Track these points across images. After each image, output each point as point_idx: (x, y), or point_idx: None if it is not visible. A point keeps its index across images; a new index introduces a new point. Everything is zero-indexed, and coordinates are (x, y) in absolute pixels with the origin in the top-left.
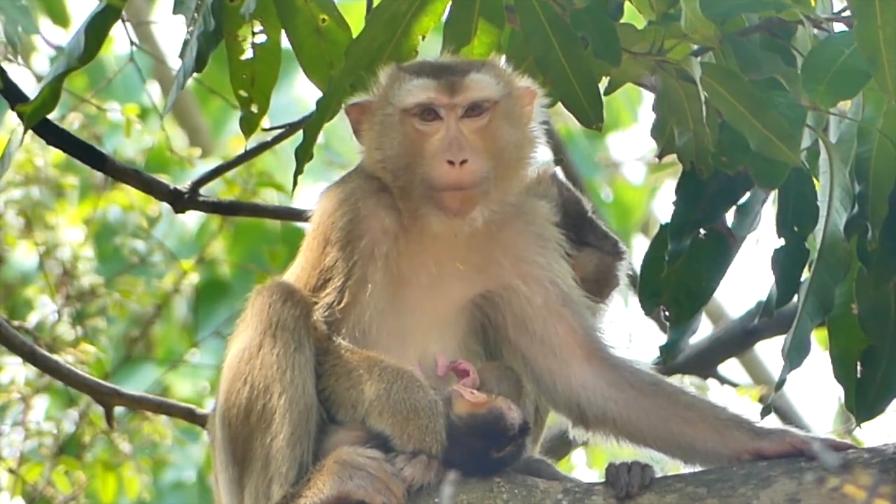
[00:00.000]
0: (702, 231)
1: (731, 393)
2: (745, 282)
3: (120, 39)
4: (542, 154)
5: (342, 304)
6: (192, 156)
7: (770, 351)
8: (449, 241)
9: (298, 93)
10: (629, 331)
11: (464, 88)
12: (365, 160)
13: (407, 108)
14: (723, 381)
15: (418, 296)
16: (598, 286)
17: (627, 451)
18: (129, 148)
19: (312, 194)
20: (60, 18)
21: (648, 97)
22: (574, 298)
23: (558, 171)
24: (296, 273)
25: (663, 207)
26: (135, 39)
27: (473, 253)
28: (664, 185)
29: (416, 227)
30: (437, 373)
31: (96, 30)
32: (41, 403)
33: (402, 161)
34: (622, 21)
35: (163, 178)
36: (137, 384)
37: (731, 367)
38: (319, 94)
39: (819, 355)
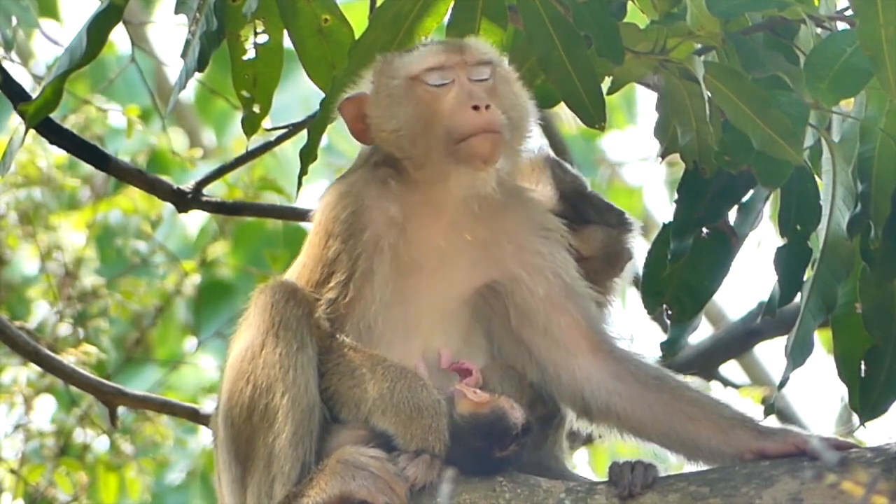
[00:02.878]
0: (704, 230)
1: (734, 394)
2: (747, 282)
3: (120, 42)
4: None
5: (347, 299)
6: (193, 156)
7: (769, 352)
8: (455, 212)
9: (302, 93)
10: (631, 330)
11: (469, 48)
12: (378, 139)
13: (416, 74)
14: (725, 382)
15: (423, 286)
16: (610, 262)
17: (631, 451)
18: (130, 149)
19: (314, 195)
20: (52, 15)
21: (644, 98)
22: (577, 290)
23: (550, 152)
24: (298, 270)
25: (660, 208)
26: (133, 42)
27: (479, 225)
28: (659, 186)
29: (426, 200)
30: (440, 366)
31: (98, 29)
32: (46, 406)
33: (420, 124)
34: (625, 20)
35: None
36: (138, 385)
37: (730, 369)
38: (322, 94)
39: (820, 356)
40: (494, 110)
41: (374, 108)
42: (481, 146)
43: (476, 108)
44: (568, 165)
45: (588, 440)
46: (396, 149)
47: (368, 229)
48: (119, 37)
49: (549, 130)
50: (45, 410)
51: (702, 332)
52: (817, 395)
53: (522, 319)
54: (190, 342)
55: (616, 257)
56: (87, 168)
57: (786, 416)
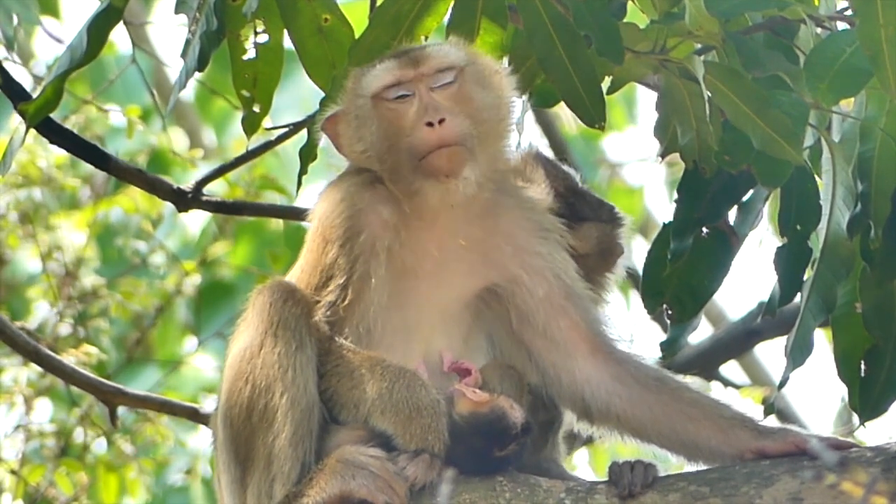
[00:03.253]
0: (704, 230)
1: (734, 394)
2: (747, 282)
3: (120, 42)
4: (526, 139)
5: (346, 302)
6: (194, 157)
7: (769, 353)
8: (448, 218)
9: (302, 93)
10: (631, 330)
11: (426, 59)
12: (351, 159)
13: (376, 92)
14: (726, 382)
15: (422, 289)
16: (604, 258)
17: (630, 451)
18: (131, 150)
19: (314, 194)
20: (53, 13)
21: (644, 98)
22: (577, 291)
23: (541, 149)
24: (297, 275)
25: (660, 208)
26: (133, 42)
27: (474, 228)
28: (659, 186)
29: (415, 210)
30: (443, 369)
31: (98, 29)
32: (45, 406)
33: (385, 143)
34: (625, 20)
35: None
36: (138, 385)
37: (730, 369)
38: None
39: (820, 356)
40: (449, 123)
41: (346, 127)
42: (439, 162)
43: (430, 124)
44: (558, 162)
45: (588, 440)
46: (370, 167)
47: (364, 232)
48: (118, 36)
49: (549, 130)
50: (45, 411)
51: (701, 333)
52: (818, 394)
53: (523, 321)
54: (190, 342)
55: (609, 253)
56: (87, 167)
57: (786, 415)
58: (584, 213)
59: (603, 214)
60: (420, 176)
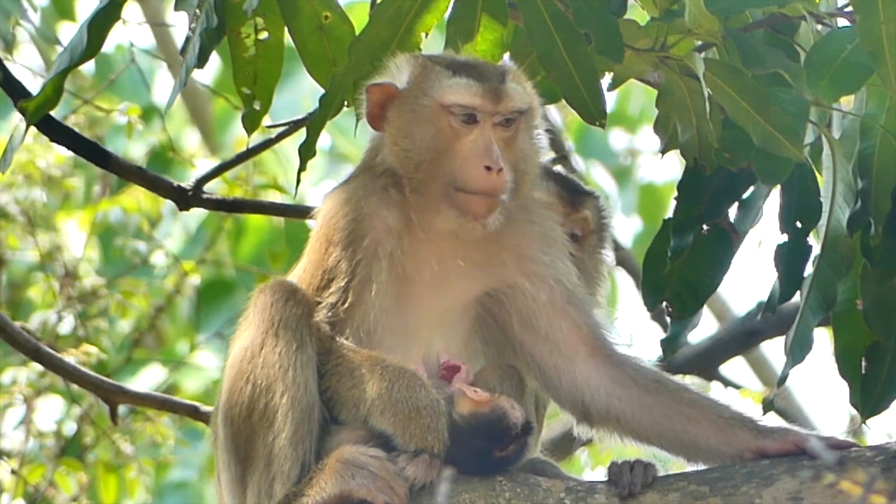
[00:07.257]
0: (705, 227)
1: (734, 394)
2: (750, 279)
3: (136, 39)
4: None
5: (346, 304)
6: (193, 156)
7: (777, 351)
8: (452, 238)
9: (303, 91)
10: (631, 329)
11: (506, 97)
12: (386, 146)
13: (447, 105)
14: (726, 382)
15: (422, 294)
16: (599, 234)
17: (631, 451)
18: (131, 148)
19: (313, 192)
20: (67, 14)
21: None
22: (578, 296)
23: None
24: (299, 275)
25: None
26: (149, 38)
27: (475, 250)
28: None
29: (422, 223)
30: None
31: (99, 26)
32: (48, 407)
33: (430, 155)
34: (625, 17)
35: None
36: (138, 384)
37: (737, 368)
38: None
39: (824, 357)
40: (503, 175)
41: (398, 116)
42: (477, 207)
43: (488, 168)
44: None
45: (588, 440)
46: (401, 165)
47: (368, 237)
48: (127, 33)
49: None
50: (50, 412)
51: (706, 328)
52: (828, 393)
53: (524, 325)
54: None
55: (600, 228)
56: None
57: (793, 415)
58: (581, 191)
59: (584, 192)
60: (446, 202)
